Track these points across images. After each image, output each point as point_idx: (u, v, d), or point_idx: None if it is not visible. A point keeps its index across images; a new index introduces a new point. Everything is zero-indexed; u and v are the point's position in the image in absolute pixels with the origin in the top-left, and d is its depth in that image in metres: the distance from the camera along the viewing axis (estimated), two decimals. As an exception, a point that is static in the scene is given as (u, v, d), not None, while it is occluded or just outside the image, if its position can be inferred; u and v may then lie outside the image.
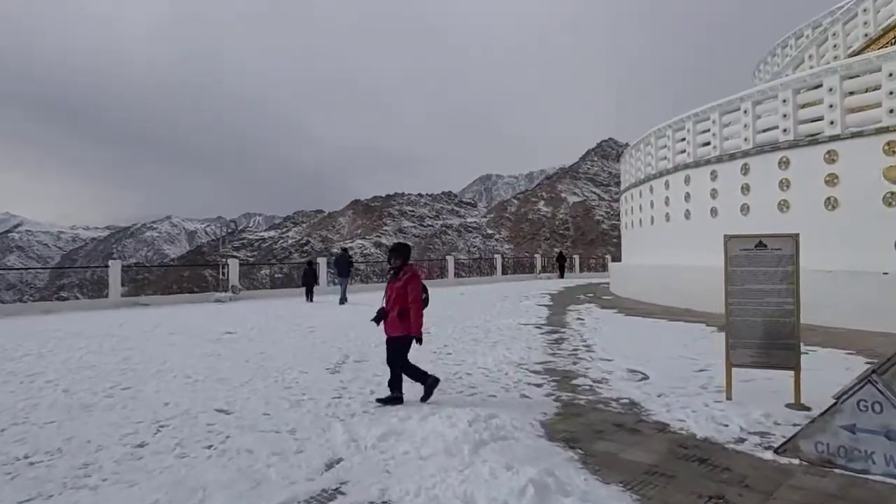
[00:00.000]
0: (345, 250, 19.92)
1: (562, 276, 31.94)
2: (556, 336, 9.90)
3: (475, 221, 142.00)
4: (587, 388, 6.14)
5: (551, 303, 16.35)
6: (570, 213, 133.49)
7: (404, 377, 5.79)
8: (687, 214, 14.51)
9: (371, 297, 17.95)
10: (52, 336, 10.82)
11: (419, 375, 5.81)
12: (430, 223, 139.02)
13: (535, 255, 33.33)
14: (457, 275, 26.72)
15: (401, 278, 5.85)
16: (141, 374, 7.26)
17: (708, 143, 14.13)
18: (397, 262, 5.90)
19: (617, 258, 44.71)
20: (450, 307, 15.25)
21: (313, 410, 5.42)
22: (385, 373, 5.97)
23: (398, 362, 5.82)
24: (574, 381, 6.45)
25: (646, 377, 6.52)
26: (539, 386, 6.27)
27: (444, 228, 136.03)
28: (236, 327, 11.72)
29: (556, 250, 40.85)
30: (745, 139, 12.76)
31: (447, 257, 27.15)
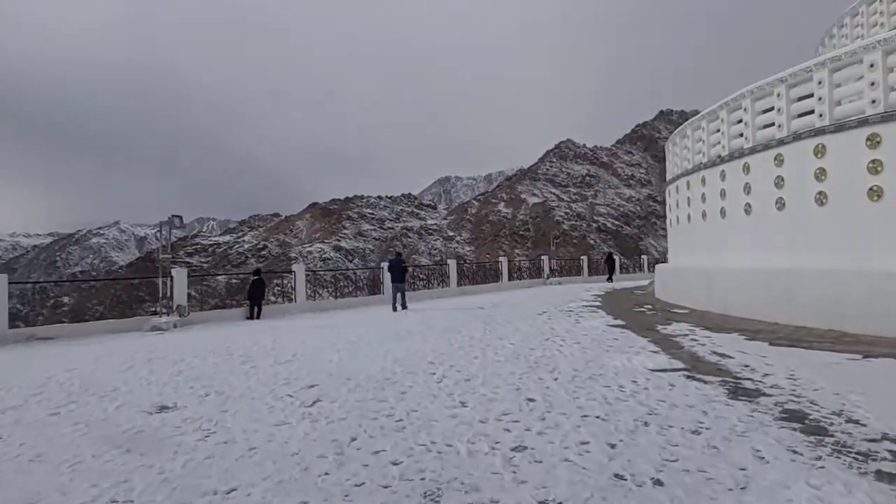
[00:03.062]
0: (399, 254, 17.92)
1: (611, 279, 28.44)
2: (774, 407, 5.26)
3: (436, 223, 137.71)
4: None
5: (621, 321, 11.83)
6: (530, 215, 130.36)
7: None
8: (820, 199, 10.23)
9: (354, 317, 13.17)
10: None
11: None
12: (390, 226, 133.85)
13: (542, 258, 28.85)
14: (459, 282, 22.09)
15: None
16: None
17: (853, 99, 9.92)
18: None
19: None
20: (495, 333, 10.54)
21: None
22: None
23: None
24: None
25: None
26: None
27: (404, 231, 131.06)
28: (178, 391, 6.69)
29: (606, 251, 36.96)
30: (939, 85, 8.56)
31: (449, 262, 22.44)
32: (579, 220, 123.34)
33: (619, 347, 8.64)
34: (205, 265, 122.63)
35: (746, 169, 12.02)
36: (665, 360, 7.52)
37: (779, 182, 11.12)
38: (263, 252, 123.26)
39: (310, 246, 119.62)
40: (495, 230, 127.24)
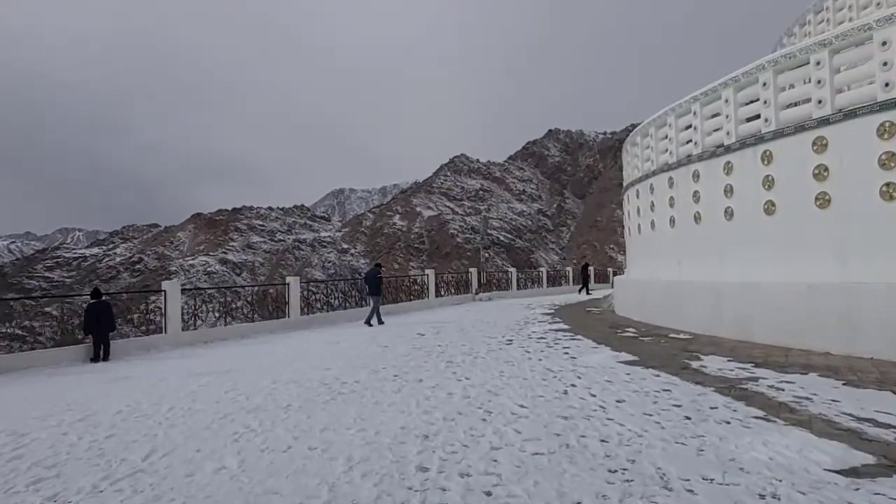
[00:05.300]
0: (377, 265, 15.93)
1: (587, 292, 26.23)
2: None
3: (329, 236, 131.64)
4: None
5: (627, 354, 8.63)
6: (425, 228, 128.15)
7: None
8: (889, 193, 7.70)
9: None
10: None
11: None
12: (281, 238, 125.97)
13: (471, 271, 25.37)
14: (382, 301, 18.04)
15: None
16: None
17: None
18: None
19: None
20: (474, 381, 6.86)
21: None
22: None
23: None
24: None
25: None
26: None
27: (296, 243, 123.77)
28: None
29: (582, 262, 34.75)
30: None
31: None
32: (473, 234, 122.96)
33: (695, 410, 5.35)
34: (67, 281, 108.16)
35: (767, 158, 9.40)
36: (825, 445, 4.30)
37: (820, 173, 8.53)
38: (139, 266, 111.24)
39: (192, 259, 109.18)
40: (390, 243, 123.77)
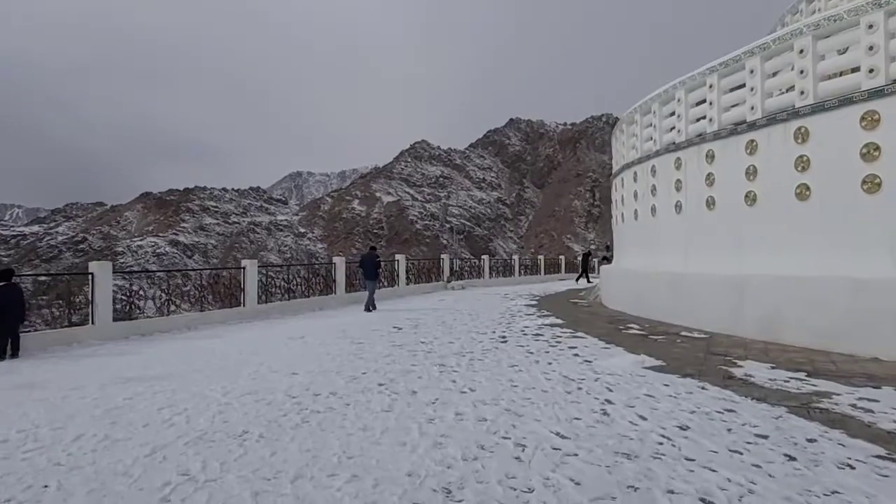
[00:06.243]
0: (373, 248, 15.74)
1: (588, 280, 25.02)
2: None
3: (286, 219, 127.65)
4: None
5: (648, 356, 7.30)
6: (384, 213, 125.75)
7: None
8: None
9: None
10: None
11: None
12: (236, 220, 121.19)
13: (442, 257, 23.72)
14: (348, 288, 16.24)
15: None
16: None
17: None
18: None
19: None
20: (483, 396, 5.34)
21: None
22: None
23: None
24: None
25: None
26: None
27: (251, 226, 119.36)
28: None
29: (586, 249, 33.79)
30: None
31: (335, 260, 16.53)
32: (432, 220, 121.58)
33: (790, 443, 4.01)
34: (5, 260, 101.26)
35: (802, 136, 8.20)
36: None
37: (870, 152, 7.36)
38: (82, 245, 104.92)
39: (141, 240, 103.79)
40: (349, 228, 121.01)
